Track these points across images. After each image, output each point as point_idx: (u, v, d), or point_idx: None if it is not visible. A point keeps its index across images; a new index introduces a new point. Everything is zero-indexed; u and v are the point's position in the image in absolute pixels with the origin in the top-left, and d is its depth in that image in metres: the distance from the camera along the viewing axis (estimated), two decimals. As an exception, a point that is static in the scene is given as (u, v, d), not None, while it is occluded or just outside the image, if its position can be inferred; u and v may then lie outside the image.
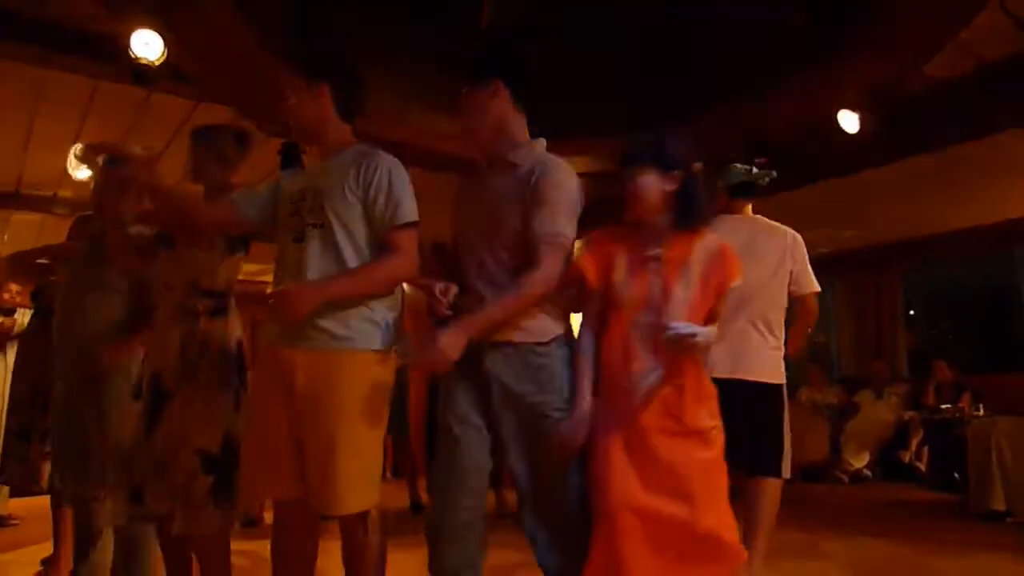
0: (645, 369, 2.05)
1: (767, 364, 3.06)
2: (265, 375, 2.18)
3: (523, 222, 2.06)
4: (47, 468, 3.58)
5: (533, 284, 2.02)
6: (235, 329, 2.54)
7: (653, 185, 2.09)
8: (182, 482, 2.33)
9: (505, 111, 2.17)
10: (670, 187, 2.09)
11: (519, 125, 2.20)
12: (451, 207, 2.32)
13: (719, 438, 2.11)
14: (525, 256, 2.05)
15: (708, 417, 2.09)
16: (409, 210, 2.13)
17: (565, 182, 2.09)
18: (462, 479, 2.05)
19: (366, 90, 2.33)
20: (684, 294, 2.07)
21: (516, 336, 2.05)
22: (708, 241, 2.15)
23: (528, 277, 2.02)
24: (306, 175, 2.27)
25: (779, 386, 3.07)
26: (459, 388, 2.11)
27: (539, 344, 2.07)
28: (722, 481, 2.08)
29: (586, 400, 2.06)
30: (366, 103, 2.34)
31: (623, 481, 1.97)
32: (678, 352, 2.01)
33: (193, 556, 2.50)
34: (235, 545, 2.50)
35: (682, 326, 1.98)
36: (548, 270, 2.03)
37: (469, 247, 2.18)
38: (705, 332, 2.01)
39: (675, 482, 1.99)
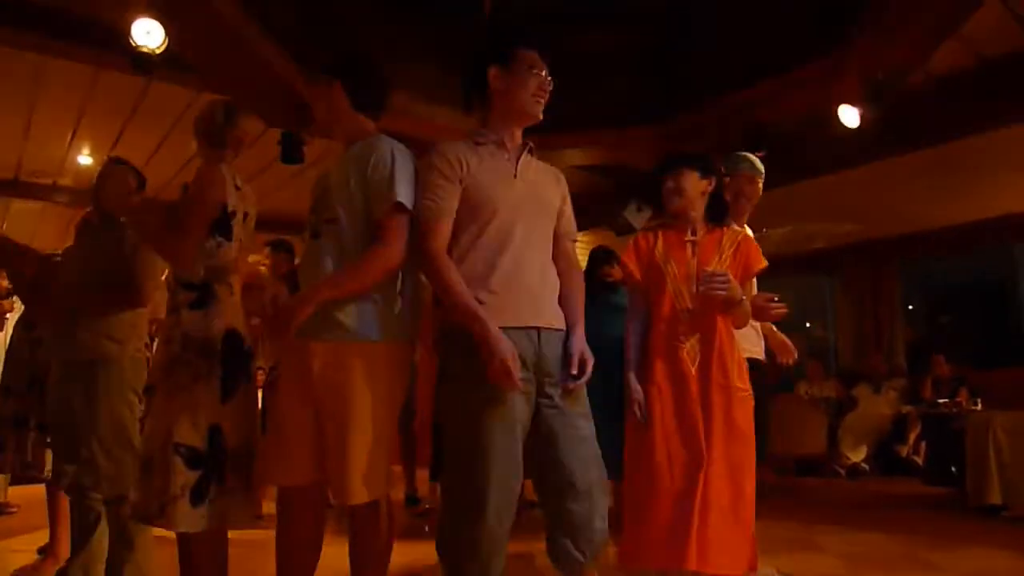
0: (689, 335, 2.46)
1: None
2: (287, 365, 2.22)
3: (556, 210, 2.27)
4: (49, 456, 3.57)
5: (581, 277, 2.29)
6: (220, 319, 2.44)
7: (695, 185, 2.55)
8: (161, 478, 2.28)
9: None
10: (706, 188, 2.56)
11: None
12: (449, 180, 2.10)
13: (751, 404, 2.48)
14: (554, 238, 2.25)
15: (741, 379, 2.46)
16: (400, 193, 2.08)
17: None
18: (517, 486, 2.03)
19: (383, 84, 2.35)
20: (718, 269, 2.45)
21: (557, 323, 2.16)
22: (734, 232, 2.61)
23: (580, 276, 2.28)
24: (327, 172, 2.29)
25: None
26: (522, 393, 2.03)
27: (564, 329, 2.20)
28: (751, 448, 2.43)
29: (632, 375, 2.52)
30: (385, 97, 2.36)
31: (663, 462, 2.39)
32: (710, 293, 2.37)
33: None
34: (231, 534, 2.49)
35: (715, 271, 2.39)
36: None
37: (519, 226, 2.12)
38: (738, 288, 2.41)
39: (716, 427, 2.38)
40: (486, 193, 2.10)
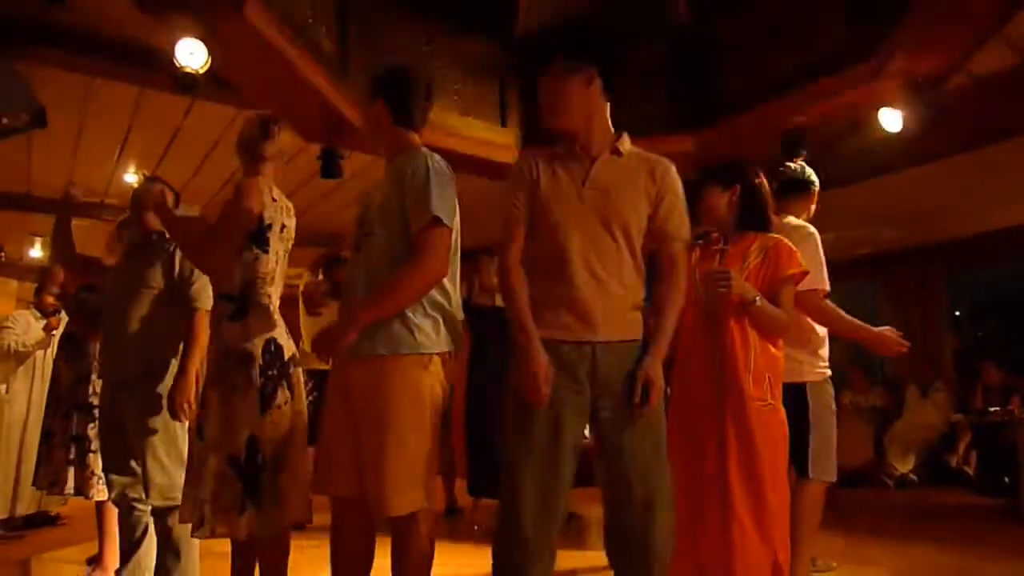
0: (704, 341, 2.44)
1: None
2: (332, 381, 2.29)
3: (641, 214, 2.14)
4: (71, 473, 3.63)
5: (683, 286, 2.17)
6: (260, 330, 2.46)
7: (717, 199, 2.57)
8: (213, 487, 2.35)
9: (598, 100, 2.19)
10: (732, 197, 2.55)
11: (607, 115, 2.23)
12: (522, 189, 2.16)
13: (773, 414, 2.39)
14: (635, 246, 2.13)
15: (758, 388, 2.38)
16: (434, 205, 2.07)
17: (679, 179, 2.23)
18: (562, 497, 2.04)
19: (425, 99, 2.36)
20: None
21: (629, 335, 2.12)
22: (766, 239, 2.53)
23: (679, 280, 2.16)
24: (371, 187, 2.33)
25: (800, 385, 2.94)
26: (570, 404, 2.05)
27: (636, 340, 2.14)
28: (759, 459, 2.34)
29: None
30: (426, 111, 2.37)
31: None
32: (710, 288, 2.38)
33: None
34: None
35: (715, 270, 2.41)
36: (687, 271, 2.22)
37: (576, 235, 2.09)
38: (747, 287, 2.38)
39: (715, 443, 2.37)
40: (547, 204, 2.12)
